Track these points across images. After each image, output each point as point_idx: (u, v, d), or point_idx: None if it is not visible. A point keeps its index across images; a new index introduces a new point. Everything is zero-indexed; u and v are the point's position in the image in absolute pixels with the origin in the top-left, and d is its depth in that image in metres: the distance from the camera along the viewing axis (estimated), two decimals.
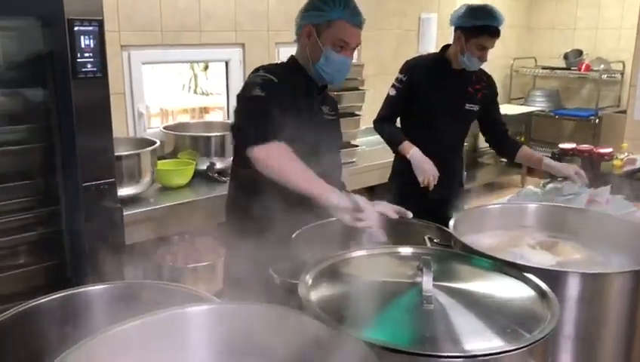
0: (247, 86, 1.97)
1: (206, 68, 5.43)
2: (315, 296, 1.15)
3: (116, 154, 2.40)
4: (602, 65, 6.01)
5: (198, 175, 3.14)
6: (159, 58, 3.50)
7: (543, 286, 1.20)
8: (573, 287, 1.31)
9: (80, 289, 1.30)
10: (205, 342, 1.07)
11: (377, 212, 1.74)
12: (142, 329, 1.01)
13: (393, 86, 2.92)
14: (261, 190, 1.85)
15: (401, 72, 2.92)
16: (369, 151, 3.89)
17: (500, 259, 1.35)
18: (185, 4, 3.45)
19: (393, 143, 2.89)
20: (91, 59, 2.10)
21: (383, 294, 1.18)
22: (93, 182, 2.18)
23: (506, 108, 6.11)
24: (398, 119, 3.01)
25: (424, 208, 2.11)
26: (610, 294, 1.35)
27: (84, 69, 2.09)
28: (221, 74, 3.96)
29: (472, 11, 2.74)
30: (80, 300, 1.29)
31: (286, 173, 1.81)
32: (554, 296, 1.16)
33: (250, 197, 1.92)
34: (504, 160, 6.46)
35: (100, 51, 2.12)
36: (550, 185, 2.75)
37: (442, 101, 2.82)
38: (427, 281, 1.14)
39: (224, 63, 3.85)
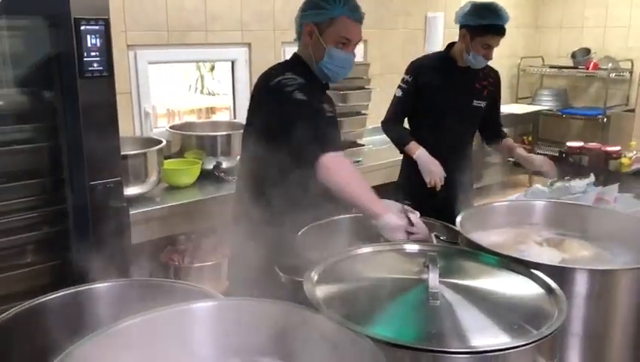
0: (282, 90, 1.93)
1: (212, 68, 5.44)
2: (320, 292, 1.15)
3: (123, 153, 2.40)
4: (610, 64, 5.97)
5: (205, 174, 3.14)
6: (165, 58, 3.51)
7: (551, 282, 1.19)
8: (580, 284, 1.30)
9: (86, 287, 1.31)
10: (211, 338, 1.07)
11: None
12: (148, 324, 1.01)
13: (399, 87, 2.93)
14: (268, 188, 1.86)
15: (406, 72, 2.93)
16: (375, 151, 3.88)
17: (507, 256, 1.34)
18: (191, 4, 3.45)
19: (400, 144, 2.90)
20: (98, 59, 2.11)
21: (389, 291, 1.17)
22: (100, 182, 2.18)
23: (513, 108, 6.09)
24: (406, 119, 3.02)
25: (433, 207, 2.11)
26: (618, 291, 1.33)
27: (90, 69, 2.09)
28: (227, 74, 3.96)
29: (478, 10, 2.73)
30: (86, 297, 1.29)
31: (352, 187, 1.83)
32: (561, 293, 1.15)
33: (259, 194, 1.93)
34: (511, 159, 6.44)
35: (107, 51, 2.12)
36: (558, 184, 2.74)
37: (449, 99, 2.81)
38: (433, 278, 1.13)
39: (230, 63, 3.85)
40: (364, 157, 3.78)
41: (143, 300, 1.23)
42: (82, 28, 2.04)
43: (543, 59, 6.62)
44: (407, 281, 1.19)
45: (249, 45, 3.80)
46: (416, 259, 1.30)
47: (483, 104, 2.90)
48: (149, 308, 1.04)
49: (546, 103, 6.44)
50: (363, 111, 3.75)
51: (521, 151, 3.00)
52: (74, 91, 2.07)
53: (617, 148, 3.55)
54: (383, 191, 3.30)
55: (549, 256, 1.54)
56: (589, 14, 6.33)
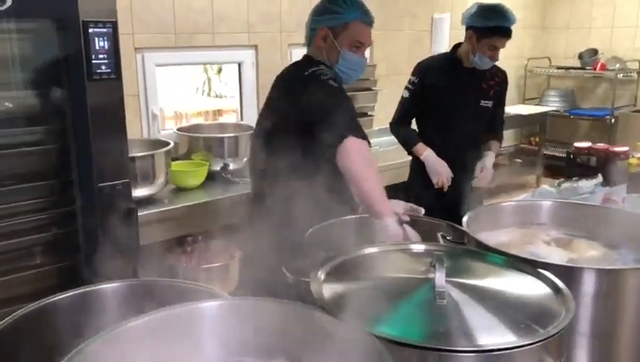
0: (317, 78, 1.96)
1: (219, 71, 5.46)
2: (327, 291, 1.15)
3: (130, 155, 2.41)
4: (618, 65, 5.94)
5: (212, 176, 3.15)
6: (173, 60, 3.53)
7: (558, 282, 1.19)
8: (588, 283, 1.29)
9: (94, 287, 1.31)
10: (218, 338, 1.07)
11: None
12: (157, 324, 1.01)
13: (406, 88, 2.95)
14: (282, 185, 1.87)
15: (413, 74, 2.94)
16: (382, 152, 3.88)
17: (514, 255, 1.33)
18: (198, 5, 3.47)
19: (407, 145, 2.92)
20: (106, 61, 2.12)
21: (395, 290, 1.17)
22: (108, 183, 2.20)
23: (521, 109, 6.07)
24: (414, 120, 3.03)
25: (441, 207, 2.11)
26: (626, 290, 1.33)
27: (98, 71, 2.11)
28: (234, 76, 3.98)
29: (484, 11, 2.73)
30: (94, 298, 1.30)
31: (367, 179, 1.82)
32: (569, 292, 1.14)
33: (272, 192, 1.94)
34: (519, 160, 6.43)
35: (115, 53, 2.14)
36: (565, 184, 2.73)
37: (456, 100, 2.82)
38: (440, 277, 1.13)
39: (237, 65, 3.86)
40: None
41: (152, 300, 1.24)
42: (90, 30, 2.06)
43: (550, 60, 6.60)
44: (414, 281, 1.19)
45: (255, 47, 3.81)
46: (422, 259, 1.30)
47: (490, 104, 2.91)
48: (158, 307, 1.05)
49: (553, 104, 6.43)
50: (369, 113, 3.76)
51: (487, 153, 2.96)
52: (82, 93, 2.09)
53: (625, 148, 3.54)
54: (390, 191, 3.31)
55: (556, 255, 1.53)
56: (596, 15, 6.31)
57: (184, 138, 3.27)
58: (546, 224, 1.80)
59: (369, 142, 1.96)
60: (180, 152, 3.25)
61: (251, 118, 3.75)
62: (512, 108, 5.87)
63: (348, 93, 3.45)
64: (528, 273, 1.26)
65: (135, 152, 2.68)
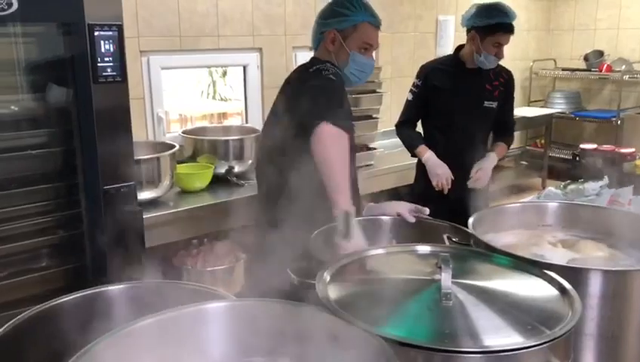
0: (321, 71, 1.97)
1: (225, 74, 5.47)
2: (333, 293, 1.15)
3: (136, 158, 2.42)
4: (624, 66, 5.92)
5: (217, 179, 3.15)
6: (178, 63, 3.53)
7: (564, 283, 1.18)
8: (595, 284, 1.29)
9: (100, 289, 1.32)
10: (224, 339, 1.07)
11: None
12: (162, 325, 1.02)
13: (410, 91, 2.98)
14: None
15: (417, 76, 2.97)
16: (387, 154, 3.88)
17: (520, 257, 1.33)
18: (203, 9, 3.48)
19: (411, 147, 2.94)
20: (111, 64, 2.13)
21: (401, 291, 1.17)
22: (114, 186, 2.20)
23: (526, 111, 6.06)
24: (420, 122, 3.03)
25: (446, 209, 2.10)
26: (633, 291, 1.32)
27: (104, 74, 2.11)
28: (239, 79, 3.98)
29: (485, 10, 2.75)
30: (100, 299, 1.30)
31: (334, 161, 1.74)
32: (575, 293, 1.14)
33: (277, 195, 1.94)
34: (524, 162, 6.42)
35: (120, 56, 2.14)
36: (571, 186, 2.73)
37: (459, 101, 2.83)
38: (446, 278, 1.13)
39: (242, 68, 3.87)
40: (376, 160, 3.78)
41: (157, 302, 1.24)
42: (96, 33, 2.06)
43: (555, 62, 6.59)
44: (420, 282, 1.19)
45: (260, 50, 3.81)
46: (428, 260, 1.30)
47: (495, 105, 2.91)
48: (163, 309, 1.05)
49: (558, 106, 6.41)
50: (374, 115, 3.75)
51: (489, 154, 2.93)
52: (88, 96, 2.09)
53: (632, 150, 3.53)
54: (395, 194, 3.32)
55: (563, 257, 1.53)
56: (601, 16, 6.30)
57: (189, 141, 3.28)
58: (551, 225, 1.80)
59: (352, 136, 1.94)
60: (185, 155, 3.25)
61: (256, 121, 3.75)
62: (517, 110, 5.82)
63: (353, 96, 3.50)
64: (534, 274, 1.26)
65: (140, 155, 2.69)
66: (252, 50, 3.79)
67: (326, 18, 2.10)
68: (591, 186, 2.62)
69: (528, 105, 6.44)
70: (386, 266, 1.33)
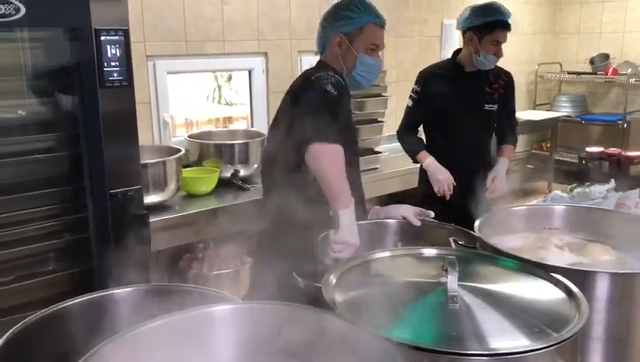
0: (319, 83, 1.95)
1: (230, 78, 5.49)
2: (339, 296, 1.15)
3: (142, 162, 2.42)
4: (630, 69, 5.90)
5: (223, 182, 3.16)
6: (184, 68, 3.55)
7: (571, 286, 1.18)
8: (602, 288, 1.28)
9: (106, 292, 1.32)
10: (230, 342, 1.07)
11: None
12: (169, 327, 1.02)
13: (410, 97, 2.99)
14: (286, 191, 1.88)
15: (416, 82, 2.98)
16: (392, 158, 3.87)
17: (526, 260, 1.33)
18: (208, 13, 3.49)
19: (412, 153, 2.94)
20: (118, 69, 2.14)
21: (407, 294, 1.17)
22: (120, 190, 2.21)
23: (532, 114, 6.05)
24: (422, 128, 3.03)
25: (449, 213, 2.10)
26: None
27: (110, 78, 2.12)
28: (245, 84, 3.99)
29: (481, 9, 2.77)
30: (107, 303, 1.31)
31: (330, 176, 1.78)
32: (582, 296, 1.14)
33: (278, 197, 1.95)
34: (530, 166, 6.40)
35: (126, 61, 2.15)
36: (578, 190, 2.71)
37: (459, 106, 2.82)
38: (452, 281, 1.13)
39: (247, 72, 3.88)
40: (381, 164, 3.78)
41: (163, 305, 1.24)
42: (102, 38, 2.07)
43: (561, 66, 6.58)
44: (426, 285, 1.19)
45: (265, 54, 3.82)
46: (434, 263, 1.30)
47: (495, 107, 2.90)
48: (169, 312, 1.05)
49: (564, 109, 6.39)
50: (379, 119, 3.75)
51: (499, 159, 2.93)
52: (94, 101, 2.10)
53: (638, 153, 3.51)
54: (400, 197, 3.31)
55: (570, 260, 1.52)
56: (607, 20, 6.28)
57: (195, 145, 3.29)
58: (558, 228, 1.79)
59: (353, 141, 2.05)
60: (191, 159, 3.26)
61: (262, 125, 3.76)
62: (523, 114, 5.84)
63: (358, 100, 3.51)
64: (541, 277, 1.25)
65: (146, 159, 2.69)
66: (257, 55, 3.80)
67: (331, 22, 2.10)
68: (597, 190, 2.61)
69: (534, 109, 6.43)
70: (391, 269, 1.33)
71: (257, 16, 3.72)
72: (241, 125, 4.69)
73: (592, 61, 6.23)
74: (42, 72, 2.15)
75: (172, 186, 2.84)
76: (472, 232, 1.66)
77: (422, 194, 2.96)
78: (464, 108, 2.83)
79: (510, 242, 1.65)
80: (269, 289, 1.65)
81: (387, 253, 1.41)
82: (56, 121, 2.18)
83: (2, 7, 1.86)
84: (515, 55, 6.09)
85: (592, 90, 6.53)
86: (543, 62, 6.45)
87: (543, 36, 6.45)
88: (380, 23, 2.08)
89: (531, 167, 6.37)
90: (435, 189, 2.78)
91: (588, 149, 3.71)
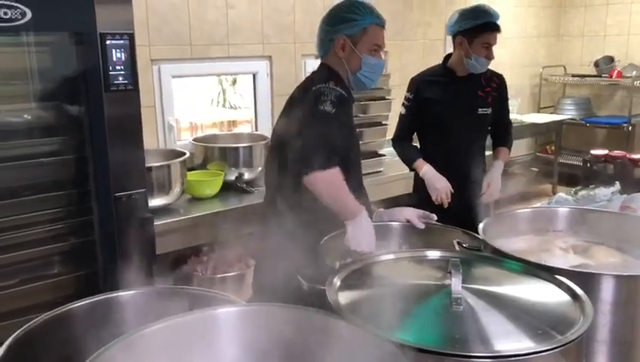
0: (318, 98, 1.94)
1: (234, 82, 5.50)
2: (343, 298, 1.15)
3: (147, 165, 2.43)
4: (635, 72, 5.89)
5: (227, 185, 3.17)
6: (188, 71, 3.56)
7: (576, 288, 1.18)
8: (606, 290, 1.28)
9: (111, 295, 1.33)
10: (236, 344, 1.07)
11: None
12: (173, 330, 1.02)
13: (403, 104, 2.96)
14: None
15: (408, 89, 2.95)
16: (396, 161, 3.86)
17: (531, 262, 1.33)
18: (213, 17, 3.50)
19: (408, 161, 2.91)
20: (123, 73, 2.15)
21: (411, 296, 1.17)
22: (125, 193, 2.22)
23: (536, 117, 6.03)
24: (416, 134, 3.01)
25: (445, 219, 2.08)
26: None
27: (116, 82, 2.13)
28: (249, 87, 4.00)
29: (469, 12, 2.76)
30: (111, 305, 1.31)
31: (330, 197, 1.88)
32: (587, 298, 1.14)
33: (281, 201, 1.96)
34: (535, 169, 6.39)
35: (132, 65, 2.16)
36: (582, 192, 2.71)
37: (452, 111, 2.79)
38: (456, 283, 1.13)
39: (252, 76, 3.89)
40: (385, 167, 3.78)
41: (168, 307, 1.25)
42: (108, 42, 2.08)
43: (565, 68, 6.57)
44: (430, 287, 1.19)
45: (270, 58, 3.83)
46: (438, 266, 1.30)
47: (489, 111, 2.87)
48: (174, 314, 1.06)
49: (568, 112, 6.38)
50: (383, 122, 3.75)
51: (494, 163, 2.92)
52: (100, 105, 2.11)
53: None
54: (402, 201, 3.31)
55: (574, 262, 1.52)
56: (611, 22, 6.27)
57: (199, 148, 3.30)
58: (562, 231, 1.79)
59: (355, 146, 2.13)
60: (196, 162, 3.27)
61: (266, 128, 3.77)
62: (527, 117, 5.83)
63: (362, 103, 3.51)
64: (545, 279, 1.25)
65: (151, 162, 2.70)
66: (262, 58, 3.81)
67: (334, 25, 2.09)
68: (602, 192, 2.61)
69: (538, 112, 6.41)
70: (395, 272, 1.33)
71: (262, 20, 3.73)
72: (245, 128, 4.70)
73: (596, 64, 6.22)
74: (48, 76, 2.17)
75: (177, 189, 2.85)
76: (476, 235, 1.66)
77: (418, 200, 2.92)
78: (457, 113, 2.80)
79: (514, 245, 1.65)
80: (273, 291, 1.65)
81: (391, 256, 1.41)
82: (62, 125, 2.19)
83: (8, 11, 1.87)
84: (519, 58, 6.09)
85: (597, 92, 6.51)
86: (548, 65, 6.44)
87: (547, 39, 6.44)
88: (381, 23, 2.09)
89: (536, 169, 6.36)
90: (433, 198, 2.73)
91: (592, 152, 3.69)
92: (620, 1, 6.21)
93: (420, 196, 2.88)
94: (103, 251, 2.20)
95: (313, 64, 2.27)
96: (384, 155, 3.78)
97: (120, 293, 1.33)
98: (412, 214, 1.98)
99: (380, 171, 3.73)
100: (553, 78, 6.48)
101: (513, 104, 5.56)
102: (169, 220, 2.76)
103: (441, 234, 1.87)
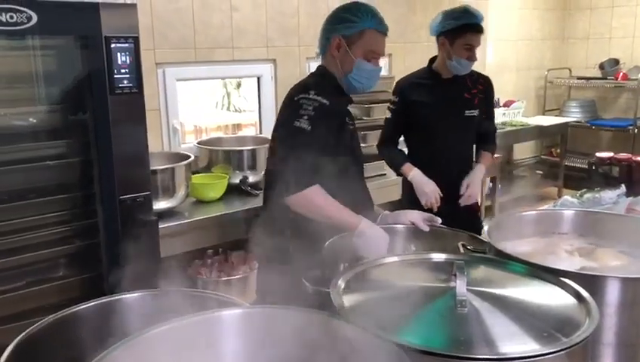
0: (295, 111, 1.93)
1: (239, 85, 5.51)
2: (347, 301, 1.15)
3: (152, 168, 2.44)
4: None
5: (232, 188, 3.17)
6: (193, 75, 3.57)
7: (581, 290, 1.17)
8: (612, 292, 1.27)
9: (116, 297, 1.33)
10: (239, 346, 1.07)
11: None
12: (177, 332, 1.02)
13: (388, 108, 2.93)
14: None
15: (393, 93, 2.92)
16: None
17: (536, 264, 1.32)
18: (217, 21, 3.51)
19: (395, 166, 2.90)
20: (128, 76, 2.16)
21: (416, 299, 1.17)
22: (130, 196, 2.22)
23: (541, 120, 6.03)
24: (403, 139, 2.99)
25: (450, 223, 2.07)
26: None
27: (120, 85, 2.14)
28: (253, 90, 4.01)
29: (451, 13, 2.73)
30: (116, 308, 1.31)
31: (320, 214, 1.89)
32: (592, 301, 1.13)
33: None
34: (540, 171, 6.37)
35: (137, 68, 2.17)
36: (588, 195, 2.70)
37: (439, 113, 2.77)
38: (461, 285, 1.13)
39: (256, 79, 3.90)
40: (388, 170, 3.76)
41: (173, 310, 1.25)
42: (112, 46, 2.09)
43: (570, 71, 6.56)
44: (435, 289, 1.19)
45: (274, 61, 3.84)
46: (443, 268, 1.30)
47: (476, 112, 2.84)
48: (178, 316, 1.06)
49: (574, 115, 6.37)
50: None
51: (475, 165, 2.90)
52: (105, 108, 2.12)
53: None
54: (397, 205, 3.29)
55: (580, 265, 1.52)
56: (616, 24, 6.27)
57: (204, 151, 3.30)
58: (568, 233, 1.78)
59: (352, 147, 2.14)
60: (200, 165, 3.27)
61: (270, 131, 3.75)
62: (532, 120, 5.82)
63: (365, 106, 3.51)
64: (551, 282, 1.25)
65: (156, 165, 2.71)
66: (266, 62, 3.82)
67: (332, 23, 2.08)
68: (607, 195, 2.60)
69: (543, 114, 6.41)
70: (400, 274, 1.33)
71: (266, 23, 3.74)
72: (249, 132, 4.70)
73: (601, 66, 6.21)
74: (53, 79, 2.18)
75: (181, 192, 2.85)
76: (481, 238, 1.65)
77: (407, 205, 2.89)
78: (445, 115, 2.77)
79: (520, 247, 1.64)
80: (278, 294, 1.65)
81: (395, 258, 1.40)
82: (67, 128, 2.20)
83: (14, 15, 1.88)
84: (524, 60, 6.08)
85: (602, 95, 6.50)
86: (553, 68, 6.44)
87: (552, 42, 6.44)
88: (381, 30, 2.05)
89: (541, 172, 6.35)
90: (423, 202, 2.70)
91: (598, 155, 3.67)
92: (625, 4, 6.20)
93: (408, 200, 2.84)
94: (107, 254, 2.21)
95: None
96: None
97: (125, 296, 1.33)
98: (417, 217, 1.97)
99: (384, 174, 3.73)
100: (558, 81, 6.47)
101: (519, 106, 5.57)
102: (174, 223, 2.76)
103: (446, 237, 1.87)
